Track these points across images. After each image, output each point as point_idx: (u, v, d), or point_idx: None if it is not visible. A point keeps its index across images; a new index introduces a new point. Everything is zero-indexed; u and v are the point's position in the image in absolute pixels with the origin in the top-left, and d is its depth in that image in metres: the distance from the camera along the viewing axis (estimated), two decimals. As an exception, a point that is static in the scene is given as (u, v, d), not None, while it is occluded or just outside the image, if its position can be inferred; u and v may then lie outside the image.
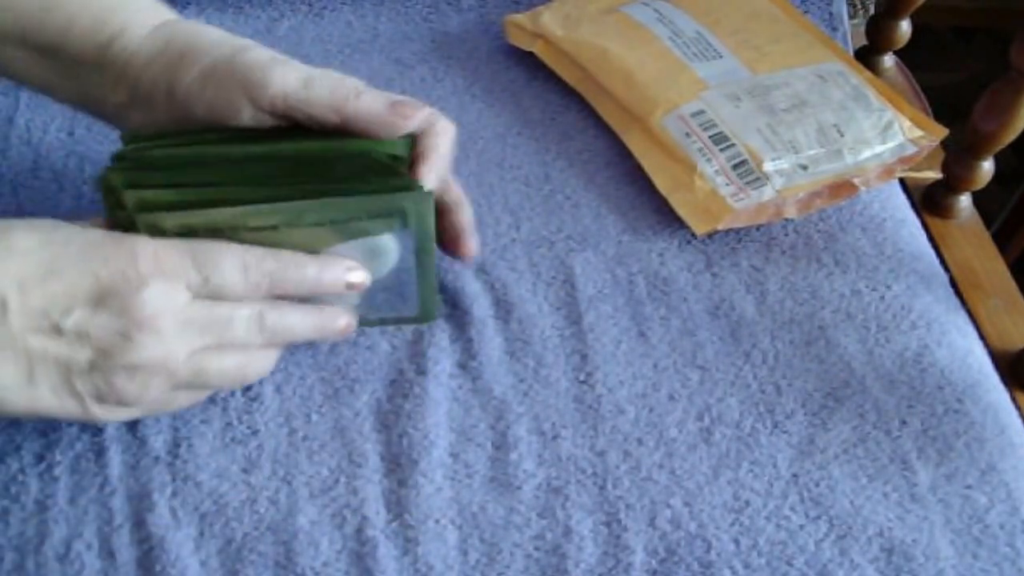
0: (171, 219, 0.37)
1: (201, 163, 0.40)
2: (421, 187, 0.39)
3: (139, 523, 0.39)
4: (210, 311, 0.36)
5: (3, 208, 0.49)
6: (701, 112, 0.54)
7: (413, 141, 0.42)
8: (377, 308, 0.43)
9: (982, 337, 0.51)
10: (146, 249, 0.35)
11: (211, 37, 0.41)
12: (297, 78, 0.39)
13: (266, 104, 0.39)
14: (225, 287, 0.37)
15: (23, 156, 0.52)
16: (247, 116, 0.40)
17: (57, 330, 0.34)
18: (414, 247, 0.41)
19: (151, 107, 0.41)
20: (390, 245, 0.40)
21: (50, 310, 0.34)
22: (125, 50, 0.41)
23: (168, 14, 0.43)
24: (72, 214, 0.50)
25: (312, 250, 0.39)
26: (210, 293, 0.36)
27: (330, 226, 0.39)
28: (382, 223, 0.39)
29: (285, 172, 0.39)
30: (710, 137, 0.53)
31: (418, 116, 0.41)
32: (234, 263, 0.37)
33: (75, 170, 0.51)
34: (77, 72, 0.42)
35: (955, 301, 0.52)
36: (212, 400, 0.43)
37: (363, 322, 0.43)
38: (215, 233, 0.37)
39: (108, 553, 0.39)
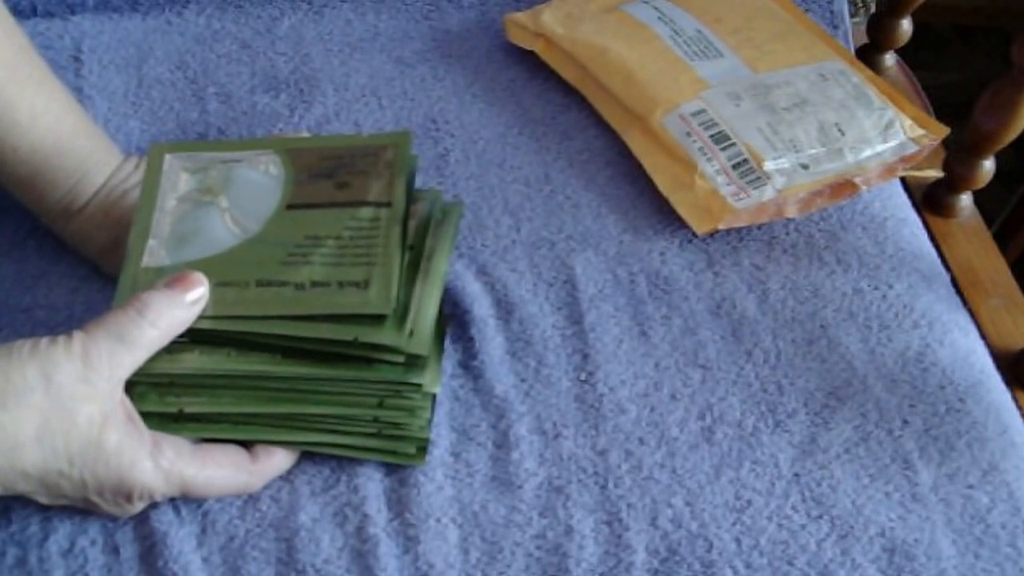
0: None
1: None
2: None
3: (142, 519, 0.39)
4: None
5: (5, 208, 0.49)
6: (702, 111, 0.54)
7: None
8: None
9: (983, 336, 0.51)
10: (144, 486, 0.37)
11: None
12: None
13: None
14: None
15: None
16: None
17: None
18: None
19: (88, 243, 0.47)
20: None
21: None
22: (78, 201, 0.45)
23: (115, 154, 0.47)
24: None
25: None
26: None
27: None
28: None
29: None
30: (711, 136, 0.53)
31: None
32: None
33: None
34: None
35: (956, 300, 0.52)
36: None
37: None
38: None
39: (112, 549, 0.39)
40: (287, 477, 0.41)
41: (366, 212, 0.41)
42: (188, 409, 0.39)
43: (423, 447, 0.41)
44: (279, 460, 0.40)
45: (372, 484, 0.41)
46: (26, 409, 0.34)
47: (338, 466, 0.41)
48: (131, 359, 0.36)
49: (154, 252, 0.41)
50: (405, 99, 0.57)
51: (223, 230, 0.41)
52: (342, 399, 0.39)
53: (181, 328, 0.38)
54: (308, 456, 0.41)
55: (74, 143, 0.45)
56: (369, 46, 0.60)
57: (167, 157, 0.43)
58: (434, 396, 0.41)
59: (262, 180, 0.43)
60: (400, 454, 0.40)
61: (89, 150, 0.46)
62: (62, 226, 0.46)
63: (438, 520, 0.40)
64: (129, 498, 0.37)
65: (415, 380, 0.39)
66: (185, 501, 0.40)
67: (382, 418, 0.40)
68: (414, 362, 0.39)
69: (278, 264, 0.40)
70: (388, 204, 0.42)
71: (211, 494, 0.39)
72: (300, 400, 0.39)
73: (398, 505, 0.40)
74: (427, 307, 0.40)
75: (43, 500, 0.37)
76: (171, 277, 0.38)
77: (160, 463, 0.37)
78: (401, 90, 0.57)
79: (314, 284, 0.39)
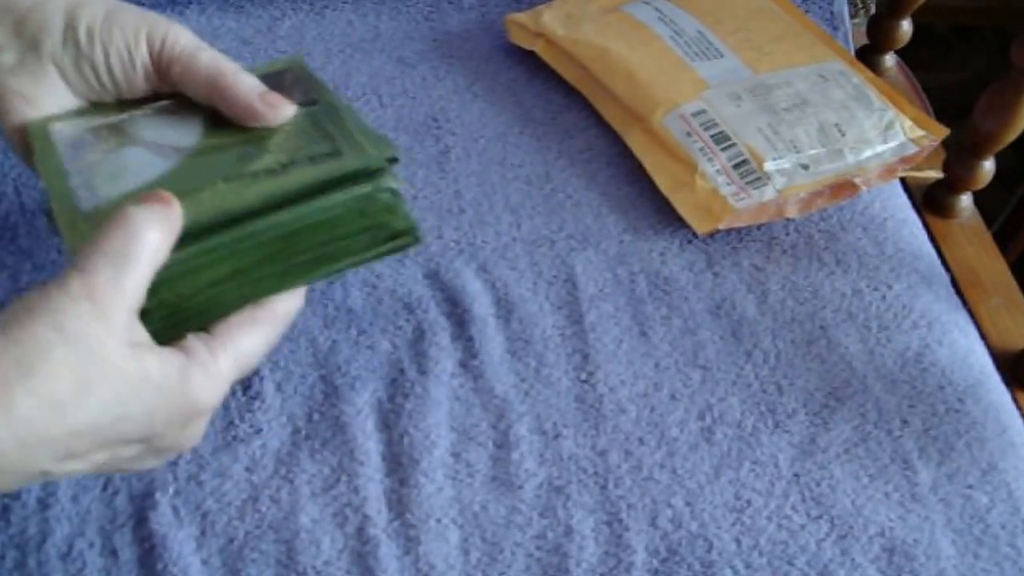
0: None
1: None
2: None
3: (141, 521, 0.39)
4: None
5: (4, 207, 0.49)
6: (702, 111, 0.54)
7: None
8: None
9: (983, 337, 0.51)
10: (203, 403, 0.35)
11: None
12: (191, 39, 0.40)
13: (160, 56, 0.40)
14: None
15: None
16: (140, 68, 0.40)
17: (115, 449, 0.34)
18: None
19: (36, 49, 0.39)
20: None
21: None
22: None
23: None
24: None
25: None
26: None
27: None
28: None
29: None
30: (711, 136, 0.53)
31: (286, 111, 0.40)
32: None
33: (76, 169, 0.51)
34: None
35: (956, 301, 0.52)
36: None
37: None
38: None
39: (110, 551, 0.39)
40: (287, 477, 0.41)
41: (297, 112, 0.41)
42: (192, 301, 0.37)
43: (414, 230, 0.40)
44: (290, 302, 0.38)
45: (372, 485, 0.41)
46: (53, 368, 0.31)
47: (338, 466, 0.41)
48: (136, 278, 0.33)
49: (88, 196, 0.37)
50: (406, 98, 0.57)
51: (154, 160, 0.39)
52: (331, 230, 0.39)
53: (172, 237, 0.35)
54: (308, 456, 0.42)
55: None
56: (370, 46, 0.60)
57: (56, 126, 0.40)
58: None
59: (172, 119, 0.41)
60: (399, 242, 0.40)
61: None
62: None
63: (438, 521, 0.40)
64: (193, 418, 0.35)
65: (389, 185, 0.39)
66: (184, 502, 0.40)
67: (370, 225, 0.39)
68: (378, 173, 0.39)
69: (234, 162, 0.38)
70: (314, 102, 0.41)
71: (257, 360, 0.37)
72: (293, 249, 0.38)
73: (398, 506, 0.40)
74: (365, 128, 0.40)
75: (97, 461, 0.33)
76: (138, 197, 0.35)
77: (206, 366, 0.35)
78: (402, 89, 0.57)
79: (283, 166, 0.38)
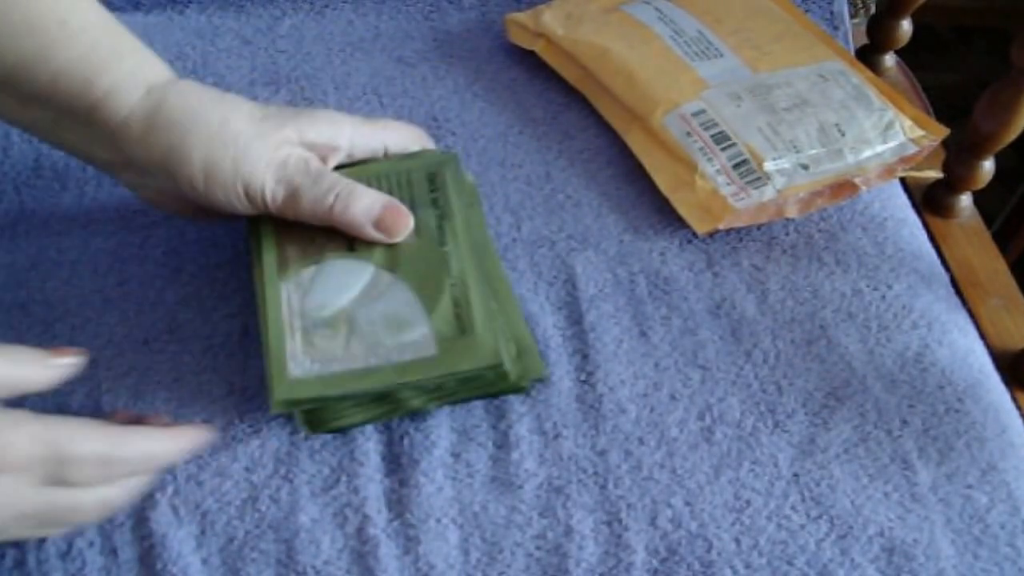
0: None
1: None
2: (504, 370, 0.41)
3: (141, 521, 0.39)
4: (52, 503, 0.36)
5: (5, 207, 0.49)
6: (702, 111, 0.54)
7: None
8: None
9: (983, 337, 0.51)
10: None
11: (206, 114, 0.41)
12: (285, 195, 0.42)
13: (264, 205, 0.42)
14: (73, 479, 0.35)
15: (24, 155, 0.52)
16: (240, 207, 0.42)
17: None
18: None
19: (144, 176, 0.42)
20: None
21: None
22: (116, 115, 0.40)
23: (159, 69, 0.42)
24: (73, 213, 0.50)
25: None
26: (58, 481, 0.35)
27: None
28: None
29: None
30: (711, 136, 0.53)
31: (403, 231, 0.43)
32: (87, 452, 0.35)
33: (77, 169, 0.51)
34: (65, 125, 0.41)
35: (956, 301, 0.52)
36: (212, 399, 0.43)
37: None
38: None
39: (110, 550, 0.39)
40: (286, 477, 0.41)
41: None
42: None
43: (525, 389, 0.44)
44: (152, 445, 0.38)
45: (372, 485, 0.41)
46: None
47: (338, 466, 0.41)
48: None
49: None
50: (406, 97, 0.57)
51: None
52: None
53: None
54: (308, 456, 0.41)
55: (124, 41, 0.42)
56: (370, 46, 0.60)
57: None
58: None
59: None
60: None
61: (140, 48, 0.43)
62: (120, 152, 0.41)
63: (438, 521, 0.40)
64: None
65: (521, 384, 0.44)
66: (184, 501, 0.40)
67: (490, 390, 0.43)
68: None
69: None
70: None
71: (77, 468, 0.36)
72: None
73: (398, 506, 0.40)
74: (514, 321, 0.45)
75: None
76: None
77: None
78: (402, 89, 0.57)
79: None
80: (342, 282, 0.42)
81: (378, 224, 0.43)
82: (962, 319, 0.51)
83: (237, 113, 0.41)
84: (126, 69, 0.41)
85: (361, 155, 0.45)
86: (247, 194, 0.42)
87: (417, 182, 0.46)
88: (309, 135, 0.43)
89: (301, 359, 0.40)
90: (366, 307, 0.42)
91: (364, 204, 0.42)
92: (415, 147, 0.48)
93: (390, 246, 0.43)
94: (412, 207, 0.44)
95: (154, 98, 0.41)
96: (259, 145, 0.41)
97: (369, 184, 0.44)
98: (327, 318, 0.41)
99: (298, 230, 0.44)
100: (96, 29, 0.41)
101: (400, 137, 0.47)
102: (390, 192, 0.44)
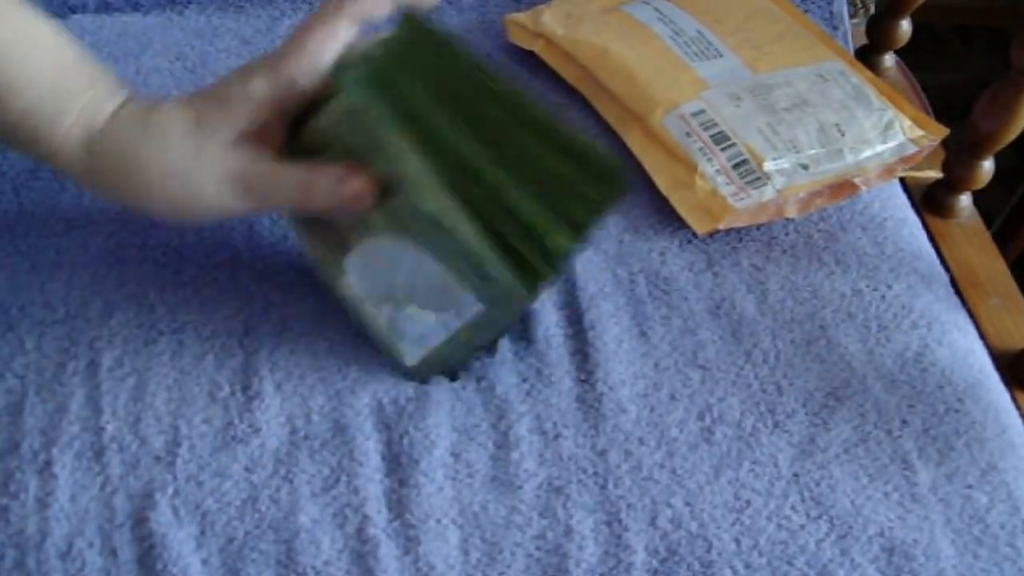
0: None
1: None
2: (536, 287, 0.39)
3: (140, 521, 0.39)
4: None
5: (5, 208, 0.49)
6: (702, 111, 0.54)
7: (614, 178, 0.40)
8: (394, 331, 0.44)
9: (982, 337, 0.51)
10: None
11: (138, 160, 0.41)
12: (254, 205, 0.42)
13: (240, 213, 0.43)
14: None
15: (24, 155, 0.52)
16: (224, 215, 0.42)
17: None
18: (475, 321, 0.41)
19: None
20: (462, 301, 0.41)
21: None
22: (69, 168, 0.41)
23: (99, 109, 0.41)
24: (73, 213, 0.50)
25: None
26: None
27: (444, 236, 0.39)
28: (476, 281, 0.40)
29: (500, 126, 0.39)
30: (711, 136, 0.53)
31: (366, 195, 0.42)
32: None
33: (76, 169, 0.51)
34: (33, 150, 0.42)
35: (955, 301, 0.52)
36: (213, 399, 0.43)
37: (367, 328, 0.44)
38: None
39: (110, 551, 0.39)
40: (286, 477, 0.41)
41: None
42: None
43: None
44: None
45: (372, 485, 0.41)
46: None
47: (338, 466, 0.41)
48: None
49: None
50: (405, 98, 0.57)
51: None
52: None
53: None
54: (308, 456, 0.41)
55: (80, 66, 0.42)
56: (369, 46, 0.60)
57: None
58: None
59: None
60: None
61: (96, 73, 0.42)
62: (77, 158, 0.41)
63: (438, 521, 0.40)
64: None
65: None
66: (184, 501, 0.40)
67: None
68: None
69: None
70: None
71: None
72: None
73: (398, 506, 0.40)
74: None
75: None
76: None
77: None
78: (401, 89, 0.57)
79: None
80: (377, 269, 0.42)
81: (346, 204, 0.41)
82: (962, 319, 0.51)
83: (164, 142, 0.40)
84: (67, 125, 0.41)
85: (306, 82, 0.42)
86: (219, 210, 0.41)
87: (361, 113, 0.40)
88: (239, 121, 0.41)
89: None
90: (410, 289, 0.42)
91: (322, 192, 0.41)
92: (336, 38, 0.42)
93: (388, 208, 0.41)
94: (374, 143, 0.40)
95: (93, 152, 0.41)
96: (199, 168, 0.40)
97: (324, 145, 0.42)
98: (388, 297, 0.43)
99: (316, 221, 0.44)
100: (41, 78, 0.41)
101: (317, 39, 0.41)
102: (348, 135, 0.41)
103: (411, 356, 0.44)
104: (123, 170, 0.41)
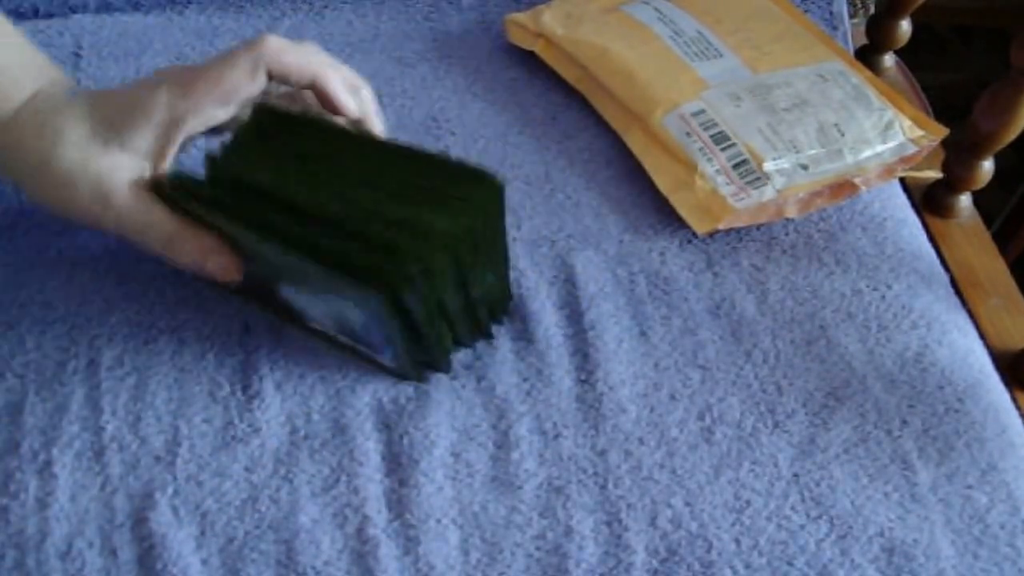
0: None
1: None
2: (387, 285, 0.38)
3: (140, 521, 0.39)
4: None
5: (5, 207, 0.49)
6: (702, 111, 0.54)
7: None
8: (366, 345, 0.43)
9: (982, 337, 0.51)
10: None
11: (30, 157, 0.41)
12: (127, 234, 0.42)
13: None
14: None
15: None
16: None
17: None
18: (379, 328, 0.41)
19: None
20: (355, 315, 0.41)
21: None
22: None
23: (7, 97, 0.41)
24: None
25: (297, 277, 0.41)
26: None
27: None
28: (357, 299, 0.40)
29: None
30: (711, 136, 0.53)
31: (230, 268, 0.43)
32: None
33: (76, 168, 0.51)
34: None
35: (955, 301, 0.52)
36: (213, 399, 0.43)
37: (346, 348, 0.44)
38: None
39: (110, 551, 0.39)
40: (286, 477, 0.41)
41: None
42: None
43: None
44: None
45: (372, 485, 0.41)
46: None
47: (338, 466, 0.41)
48: None
49: None
50: (405, 98, 0.57)
51: None
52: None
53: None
54: (308, 456, 0.41)
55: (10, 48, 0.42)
56: (370, 46, 0.60)
57: None
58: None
59: None
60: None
61: (29, 56, 0.43)
62: None
63: (438, 521, 0.40)
64: None
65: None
66: (184, 501, 0.40)
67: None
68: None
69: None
70: None
71: None
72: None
73: (398, 506, 0.40)
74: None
75: None
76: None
77: None
78: (401, 89, 0.57)
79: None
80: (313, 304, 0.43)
81: (205, 272, 0.42)
82: (962, 319, 0.51)
83: (57, 147, 0.40)
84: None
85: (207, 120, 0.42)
86: (91, 223, 0.41)
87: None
88: (141, 143, 0.41)
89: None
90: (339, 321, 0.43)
91: (189, 256, 0.42)
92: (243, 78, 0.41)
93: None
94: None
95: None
96: (80, 183, 0.40)
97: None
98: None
99: None
100: None
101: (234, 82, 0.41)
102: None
103: (393, 364, 0.43)
104: (19, 163, 0.41)
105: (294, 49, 0.41)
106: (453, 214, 0.39)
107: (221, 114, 0.41)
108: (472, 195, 0.39)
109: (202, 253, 0.41)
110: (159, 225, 0.41)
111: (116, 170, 0.40)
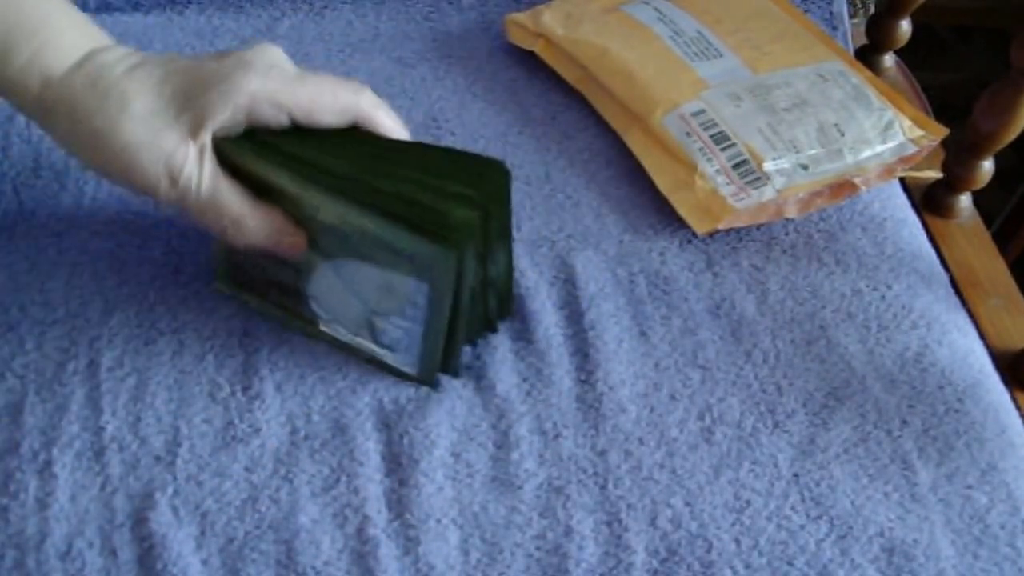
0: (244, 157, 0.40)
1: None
2: (456, 243, 0.39)
3: (140, 521, 0.39)
4: None
5: (5, 207, 0.49)
6: (702, 111, 0.54)
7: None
8: (382, 346, 0.44)
9: (982, 337, 0.51)
10: None
11: (90, 122, 0.39)
12: (181, 209, 0.42)
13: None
14: None
15: (24, 155, 0.52)
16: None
17: None
18: (428, 301, 0.41)
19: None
20: (406, 286, 0.41)
21: None
22: (23, 104, 0.40)
23: (62, 53, 0.39)
24: (73, 213, 0.50)
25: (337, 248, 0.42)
26: None
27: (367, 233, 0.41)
28: (408, 264, 0.41)
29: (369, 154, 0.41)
30: (711, 136, 0.53)
31: (299, 247, 0.43)
32: None
33: (76, 169, 0.51)
34: None
35: (955, 301, 0.52)
36: (213, 399, 0.43)
37: (365, 355, 0.44)
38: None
39: (110, 551, 0.39)
40: (286, 477, 0.41)
41: None
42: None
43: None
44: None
45: (372, 485, 0.41)
46: None
47: (338, 466, 0.41)
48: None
49: None
50: (405, 98, 0.57)
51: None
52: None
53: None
54: (308, 456, 0.41)
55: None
56: (370, 46, 0.60)
57: None
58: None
59: None
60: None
61: (77, 16, 0.41)
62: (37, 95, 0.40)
63: (438, 521, 0.40)
64: None
65: None
66: (184, 501, 0.40)
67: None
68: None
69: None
70: None
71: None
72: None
73: (398, 506, 0.40)
74: None
75: None
76: None
77: None
78: (401, 89, 0.57)
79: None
80: (335, 299, 0.44)
81: (275, 250, 0.42)
82: (962, 319, 0.51)
83: (122, 114, 0.39)
84: (18, 64, 0.39)
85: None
86: (151, 194, 0.40)
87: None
88: (219, 120, 0.40)
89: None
90: (369, 302, 0.43)
91: (253, 238, 0.41)
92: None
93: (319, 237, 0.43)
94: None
95: (47, 97, 0.39)
96: (146, 156, 0.39)
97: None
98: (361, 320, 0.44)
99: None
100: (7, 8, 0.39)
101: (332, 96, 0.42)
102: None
103: (409, 365, 0.44)
104: (72, 125, 0.39)
105: (386, 112, 0.42)
106: (478, 187, 0.41)
107: (283, 119, 0.41)
108: (486, 174, 0.42)
109: (275, 233, 0.41)
110: (228, 207, 0.40)
111: (188, 146, 0.39)
